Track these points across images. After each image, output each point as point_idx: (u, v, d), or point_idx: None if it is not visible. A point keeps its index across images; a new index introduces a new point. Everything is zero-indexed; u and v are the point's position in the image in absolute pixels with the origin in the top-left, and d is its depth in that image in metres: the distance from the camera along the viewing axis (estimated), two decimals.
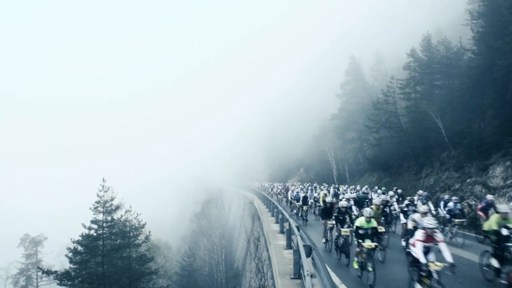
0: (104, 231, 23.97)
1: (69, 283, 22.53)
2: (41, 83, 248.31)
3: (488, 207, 13.47)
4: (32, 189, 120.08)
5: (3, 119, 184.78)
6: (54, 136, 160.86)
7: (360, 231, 9.75)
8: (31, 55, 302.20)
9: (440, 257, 7.32)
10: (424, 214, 10.01)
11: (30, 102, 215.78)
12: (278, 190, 36.48)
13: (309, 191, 25.73)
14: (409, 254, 7.86)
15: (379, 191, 21.44)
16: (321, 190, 24.06)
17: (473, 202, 18.82)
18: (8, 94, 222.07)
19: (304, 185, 33.42)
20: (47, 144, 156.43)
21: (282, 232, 16.02)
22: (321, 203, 19.21)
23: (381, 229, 11.18)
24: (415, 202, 14.84)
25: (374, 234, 9.73)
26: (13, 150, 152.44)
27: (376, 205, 12.52)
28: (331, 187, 27.24)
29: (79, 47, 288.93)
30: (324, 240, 14.08)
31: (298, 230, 10.97)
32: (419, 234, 7.36)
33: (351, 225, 11.63)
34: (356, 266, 9.77)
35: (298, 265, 9.26)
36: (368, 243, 9.35)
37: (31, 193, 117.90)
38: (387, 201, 15.50)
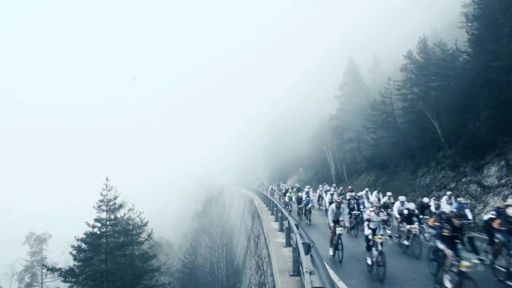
0: (107, 229, 24.11)
1: (73, 280, 22.75)
2: (41, 84, 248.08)
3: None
4: (36, 190, 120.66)
5: (4, 120, 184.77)
6: (58, 138, 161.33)
7: None
8: (31, 57, 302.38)
9: None
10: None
11: (31, 103, 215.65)
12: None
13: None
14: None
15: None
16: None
17: (468, 201, 19.25)
18: (8, 95, 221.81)
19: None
20: (51, 145, 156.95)
21: (281, 230, 16.03)
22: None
23: None
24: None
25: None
26: (17, 151, 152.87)
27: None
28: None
29: (80, 49, 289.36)
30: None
31: (297, 228, 11.10)
32: None
33: None
34: None
35: (297, 262, 9.27)
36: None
37: (36, 194, 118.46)
38: None
